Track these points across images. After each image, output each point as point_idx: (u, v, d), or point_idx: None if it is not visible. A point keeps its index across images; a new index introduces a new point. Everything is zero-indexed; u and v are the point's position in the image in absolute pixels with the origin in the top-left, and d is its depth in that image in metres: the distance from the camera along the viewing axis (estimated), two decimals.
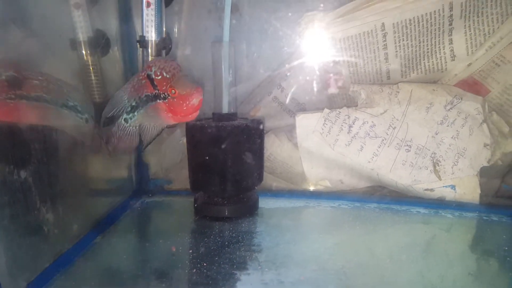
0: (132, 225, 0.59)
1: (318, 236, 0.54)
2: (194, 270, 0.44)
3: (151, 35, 0.59)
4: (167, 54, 0.63)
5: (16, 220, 0.40)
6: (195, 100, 0.50)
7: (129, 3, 0.63)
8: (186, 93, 0.49)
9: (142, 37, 0.59)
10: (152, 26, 0.59)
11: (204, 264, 0.46)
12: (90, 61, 0.57)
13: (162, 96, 0.51)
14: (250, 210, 0.60)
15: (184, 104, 0.50)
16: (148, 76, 0.51)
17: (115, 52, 0.63)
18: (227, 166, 0.56)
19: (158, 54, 0.60)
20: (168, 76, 0.49)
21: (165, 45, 0.61)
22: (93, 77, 0.58)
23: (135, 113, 0.54)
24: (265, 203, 0.64)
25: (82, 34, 0.56)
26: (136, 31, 0.64)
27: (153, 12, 0.59)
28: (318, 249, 0.50)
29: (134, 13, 0.64)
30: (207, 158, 0.56)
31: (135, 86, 0.53)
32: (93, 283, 0.43)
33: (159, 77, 0.50)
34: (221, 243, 0.50)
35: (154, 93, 0.51)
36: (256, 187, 0.61)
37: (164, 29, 0.61)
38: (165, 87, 0.50)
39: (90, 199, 0.55)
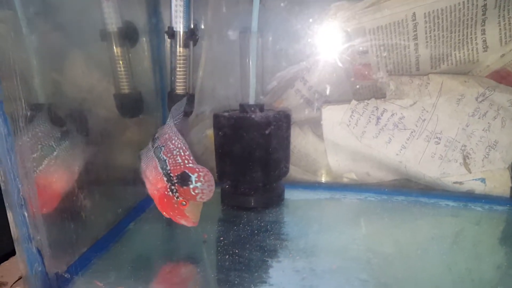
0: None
1: (346, 228, 0.54)
2: (227, 257, 0.45)
3: (179, 26, 0.60)
4: (194, 45, 0.63)
5: (57, 205, 0.41)
6: (185, 224, 0.47)
7: None
8: (189, 217, 0.46)
9: (171, 28, 0.60)
10: (180, 17, 0.59)
11: (236, 251, 0.46)
12: (119, 52, 0.58)
13: (173, 188, 0.46)
14: (276, 200, 0.61)
15: (176, 214, 0.46)
16: (184, 175, 0.44)
17: (144, 43, 0.64)
18: (255, 157, 0.57)
19: (186, 45, 0.60)
20: (198, 198, 0.44)
21: (193, 36, 0.61)
22: (122, 68, 0.59)
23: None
24: (290, 195, 0.64)
25: (112, 25, 0.57)
26: (164, 22, 0.64)
27: (181, 3, 0.59)
28: (346, 240, 0.50)
29: (162, 4, 0.64)
30: (234, 148, 0.57)
31: (169, 147, 0.47)
32: (128, 267, 0.44)
33: (193, 193, 0.44)
34: (251, 231, 0.51)
35: (172, 178, 0.46)
36: (282, 178, 0.61)
37: (192, 20, 0.62)
38: (184, 195, 0.45)
39: (122, 187, 0.57)
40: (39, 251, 0.38)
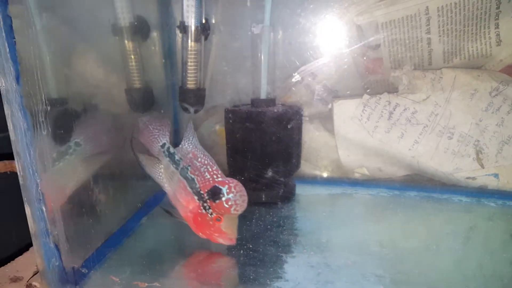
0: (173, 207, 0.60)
1: (358, 223, 0.54)
2: (241, 251, 0.45)
3: (191, 21, 0.59)
4: (205, 39, 0.63)
5: (73, 200, 0.41)
6: (222, 240, 0.45)
7: None
8: (226, 233, 0.44)
9: (182, 22, 0.59)
10: (192, 12, 0.59)
11: (250, 246, 0.46)
12: (131, 47, 0.58)
13: (206, 205, 0.45)
14: (287, 196, 0.61)
15: (212, 232, 0.45)
16: (215, 189, 0.43)
17: (155, 38, 0.64)
18: (266, 151, 0.56)
19: (197, 39, 0.60)
20: (232, 211, 0.43)
21: (205, 30, 0.61)
22: (134, 63, 0.59)
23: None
24: (301, 190, 0.64)
25: (124, 20, 0.56)
26: (175, 17, 0.64)
27: None
28: (360, 236, 0.50)
29: None
30: (245, 143, 0.57)
31: (196, 163, 0.46)
32: (143, 262, 0.44)
33: (227, 206, 0.43)
34: (264, 226, 0.51)
35: (204, 194, 0.45)
36: (294, 173, 0.61)
37: (203, 14, 0.61)
38: (218, 210, 0.44)
39: (134, 182, 0.57)
40: (56, 246, 0.39)
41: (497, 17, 0.59)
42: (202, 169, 0.46)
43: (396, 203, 0.60)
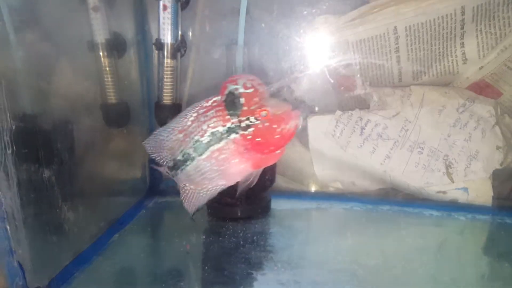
0: (147, 224, 0.59)
1: (332, 238, 0.55)
2: (211, 270, 0.45)
3: (167, 38, 0.60)
4: (182, 56, 0.64)
5: (40, 218, 0.41)
6: (293, 122, 0.36)
7: (145, 6, 0.64)
8: (282, 112, 0.35)
9: (158, 39, 0.60)
10: (168, 29, 0.60)
11: (221, 263, 0.46)
12: (106, 63, 0.59)
13: (243, 125, 0.36)
14: (262, 211, 0.61)
15: (279, 130, 0.35)
16: (230, 96, 0.35)
17: (131, 54, 0.64)
18: None
19: (173, 56, 0.61)
20: (261, 89, 0.35)
21: (181, 47, 0.62)
22: (109, 79, 0.59)
23: (177, 172, 0.40)
24: (277, 204, 0.64)
25: (100, 36, 0.57)
26: (152, 34, 0.65)
27: (169, 16, 0.60)
28: (332, 251, 0.50)
29: (150, 16, 0.65)
30: None
31: (193, 125, 0.37)
32: (111, 281, 0.43)
33: (251, 89, 0.35)
34: (236, 243, 0.51)
35: (232, 124, 0.36)
36: (269, 188, 0.62)
37: (179, 32, 0.62)
38: (254, 106, 0.35)
39: (106, 199, 0.56)
40: (20, 265, 0.38)
41: (462, 37, 0.62)
42: (201, 119, 0.37)
43: (369, 218, 0.60)
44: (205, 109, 0.37)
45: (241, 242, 0.51)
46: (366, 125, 0.64)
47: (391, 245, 0.53)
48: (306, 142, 0.68)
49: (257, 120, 0.35)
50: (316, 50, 0.66)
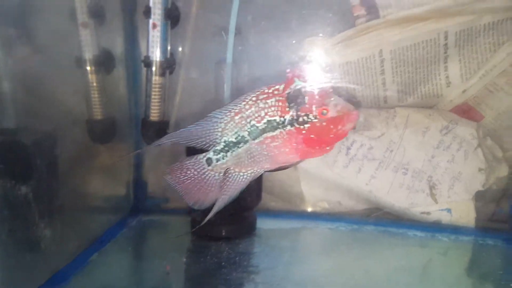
0: (128, 243, 0.58)
1: (316, 258, 0.54)
2: None
3: (156, 55, 0.61)
4: (170, 74, 0.64)
5: (15, 235, 0.40)
6: (350, 124, 0.36)
7: (135, 24, 0.65)
8: (343, 114, 0.36)
9: (147, 57, 0.61)
10: (157, 47, 0.61)
11: (200, 285, 0.45)
12: (94, 79, 0.59)
13: (300, 120, 0.36)
14: (248, 230, 0.60)
15: (335, 130, 0.36)
16: (295, 91, 0.36)
17: (120, 71, 0.64)
18: None
19: (161, 74, 0.61)
20: (327, 89, 0.36)
21: (169, 65, 0.62)
22: (96, 95, 0.59)
23: (227, 154, 0.38)
24: (263, 223, 0.64)
25: (88, 52, 0.57)
26: (141, 51, 0.65)
27: (158, 34, 0.60)
28: (315, 272, 0.50)
29: (140, 33, 0.65)
30: None
31: (251, 109, 0.37)
32: None
33: (317, 89, 0.36)
34: (218, 263, 0.50)
35: (290, 116, 0.36)
36: (254, 207, 0.61)
37: (169, 49, 0.63)
38: (316, 105, 0.35)
39: (87, 216, 0.55)
40: None
41: (445, 61, 0.64)
42: (260, 104, 0.36)
43: (354, 238, 0.60)
44: (265, 96, 0.37)
45: (223, 263, 0.50)
46: (352, 145, 0.64)
47: (376, 266, 0.53)
48: None
49: (316, 118, 0.36)
50: (304, 71, 0.67)
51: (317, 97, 0.36)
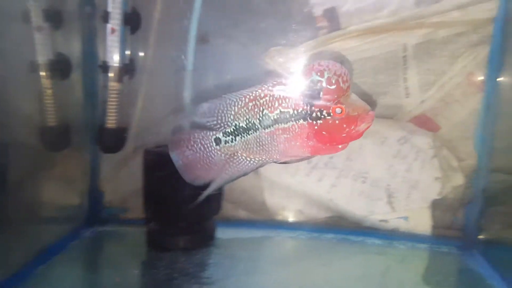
0: (79, 255, 0.56)
1: (273, 268, 0.54)
2: None
3: (114, 61, 0.60)
4: (131, 79, 0.63)
5: None
6: (365, 125, 0.36)
7: (93, 28, 0.64)
8: (358, 114, 0.35)
9: (105, 62, 0.59)
10: (115, 52, 0.59)
11: None
12: (48, 84, 0.57)
13: (314, 115, 0.35)
14: (205, 240, 0.59)
15: (348, 130, 0.36)
16: (311, 85, 0.35)
17: (77, 76, 0.63)
18: (182, 195, 0.55)
19: (119, 79, 0.60)
20: (344, 87, 0.35)
21: (128, 71, 0.61)
22: (50, 101, 0.57)
23: (236, 138, 0.38)
24: (223, 233, 0.63)
25: (43, 56, 0.56)
26: (99, 56, 0.63)
27: (117, 39, 0.59)
28: (271, 281, 0.49)
29: (98, 38, 0.64)
30: (161, 186, 0.55)
31: (265, 98, 0.37)
32: None
33: (333, 86, 0.34)
34: (170, 275, 0.49)
35: (303, 110, 0.36)
36: (213, 217, 0.60)
37: (128, 55, 0.62)
38: (331, 102, 0.35)
39: (35, 226, 0.52)
40: None
41: (405, 72, 0.66)
42: (268, 98, 0.36)
43: (313, 246, 0.60)
44: (282, 87, 0.37)
45: (175, 274, 0.49)
46: None
47: (334, 275, 0.53)
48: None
49: (329, 115, 0.35)
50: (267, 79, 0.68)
51: (333, 93, 0.35)
